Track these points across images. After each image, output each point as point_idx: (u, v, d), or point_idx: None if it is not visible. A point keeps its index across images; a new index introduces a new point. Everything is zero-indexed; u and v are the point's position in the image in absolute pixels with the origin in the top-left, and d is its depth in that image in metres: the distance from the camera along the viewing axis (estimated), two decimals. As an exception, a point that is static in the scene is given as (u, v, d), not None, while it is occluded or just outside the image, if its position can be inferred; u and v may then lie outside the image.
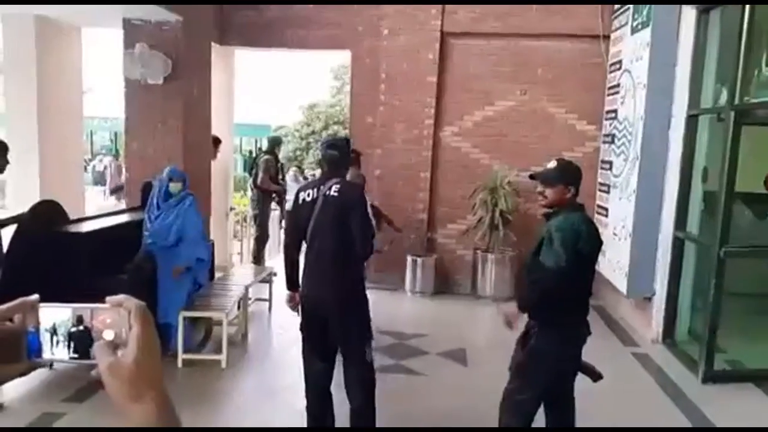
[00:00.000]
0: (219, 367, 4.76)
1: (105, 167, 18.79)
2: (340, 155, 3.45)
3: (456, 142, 7.50)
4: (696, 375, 4.81)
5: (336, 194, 3.29)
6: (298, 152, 20.66)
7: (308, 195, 3.37)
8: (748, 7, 4.35)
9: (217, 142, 7.22)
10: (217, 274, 6.26)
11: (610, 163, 6.39)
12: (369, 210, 3.46)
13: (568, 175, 3.06)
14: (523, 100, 7.33)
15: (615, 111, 6.32)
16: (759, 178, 6.55)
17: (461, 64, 7.34)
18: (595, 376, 3.09)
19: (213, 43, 6.82)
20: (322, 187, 3.35)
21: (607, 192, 6.42)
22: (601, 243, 3.06)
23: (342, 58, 11.35)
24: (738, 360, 5.23)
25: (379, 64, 7.27)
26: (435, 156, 7.44)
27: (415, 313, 6.70)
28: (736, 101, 4.50)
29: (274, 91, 22.41)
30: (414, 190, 7.41)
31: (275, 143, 8.08)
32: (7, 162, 4.31)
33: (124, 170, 7.08)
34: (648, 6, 5.46)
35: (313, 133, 20.96)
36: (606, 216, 6.34)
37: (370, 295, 3.64)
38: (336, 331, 3.39)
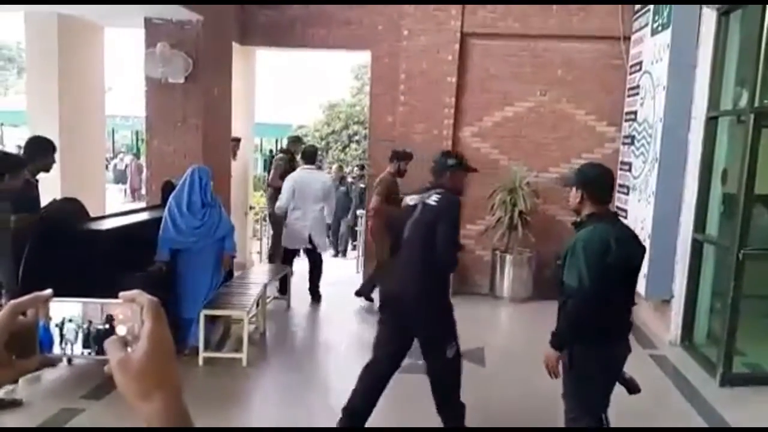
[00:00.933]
0: (240, 365, 4.82)
1: (126, 166, 19.12)
2: (436, 166, 3.69)
3: (475, 142, 7.51)
4: (714, 377, 4.77)
5: (434, 203, 3.47)
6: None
7: (412, 200, 3.63)
8: (767, 8, 4.32)
9: (236, 141, 7.32)
10: (236, 273, 6.35)
11: (630, 164, 6.36)
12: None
13: (582, 176, 2.96)
14: (542, 101, 7.33)
15: (635, 112, 6.29)
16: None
17: (480, 65, 7.35)
18: (633, 389, 3.02)
19: (234, 43, 6.91)
20: (425, 194, 3.55)
21: (627, 194, 6.39)
22: (639, 251, 2.91)
23: (362, 58, 11.45)
24: (757, 363, 5.18)
25: (398, 64, 7.31)
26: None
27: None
28: (756, 103, 4.46)
29: (295, 91, 22.54)
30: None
31: (292, 142, 8.13)
32: (53, 161, 4.47)
33: (144, 169, 7.20)
34: (668, 7, 5.43)
35: (333, 132, 21.03)
36: (625, 218, 6.29)
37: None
38: (417, 331, 3.60)
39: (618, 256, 2.75)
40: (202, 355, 4.79)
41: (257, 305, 5.52)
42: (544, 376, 3.00)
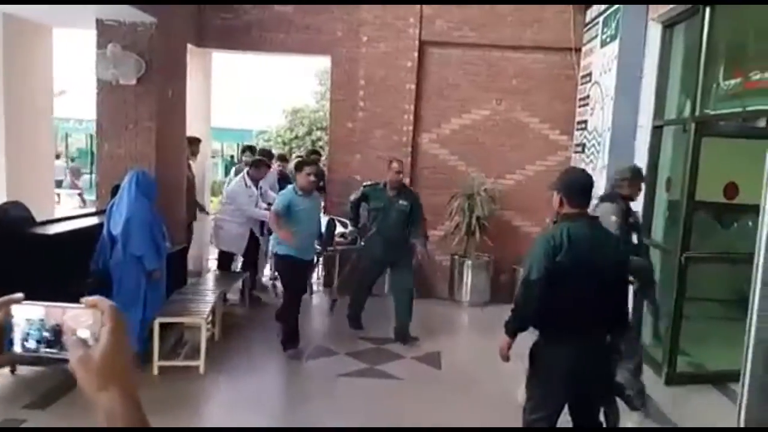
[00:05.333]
0: (196, 372, 4.78)
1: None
2: None
3: (434, 149, 7.63)
4: (660, 377, 4.93)
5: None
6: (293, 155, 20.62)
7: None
8: (707, 22, 4.51)
9: (196, 141, 7.23)
10: (191, 279, 6.27)
11: (581, 171, 6.52)
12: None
13: (560, 180, 3.07)
14: (498, 110, 7.49)
15: (585, 121, 6.47)
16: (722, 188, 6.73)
17: (439, 73, 7.47)
18: (632, 405, 3.05)
19: (190, 45, 6.85)
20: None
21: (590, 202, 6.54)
22: (600, 255, 2.91)
23: (326, 63, 11.46)
24: (701, 363, 5.36)
25: (358, 70, 7.37)
26: (414, 162, 7.54)
27: (390, 317, 6.75)
28: (697, 113, 4.65)
29: (257, 96, 22.38)
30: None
31: (243, 151, 8.29)
32: None
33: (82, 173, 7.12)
34: (616, 19, 5.62)
35: (296, 138, 20.92)
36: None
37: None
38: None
39: (570, 255, 2.84)
40: (158, 363, 4.71)
41: (213, 312, 5.47)
42: (499, 379, 3.06)
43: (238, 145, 21.87)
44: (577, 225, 2.93)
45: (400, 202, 5.77)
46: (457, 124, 7.56)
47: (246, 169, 6.81)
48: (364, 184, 6.12)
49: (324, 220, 6.59)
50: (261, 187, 6.79)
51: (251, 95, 21.94)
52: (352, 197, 6.07)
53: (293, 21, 7.44)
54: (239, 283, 6.54)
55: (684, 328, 4.93)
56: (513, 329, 3.05)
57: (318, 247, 6.26)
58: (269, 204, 6.72)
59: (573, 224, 2.93)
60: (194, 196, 7.32)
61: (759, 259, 2.41)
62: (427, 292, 7.40)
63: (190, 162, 7.15)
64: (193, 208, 7.28)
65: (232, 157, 20.65)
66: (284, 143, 20.53)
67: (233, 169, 8.38)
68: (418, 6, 7.18)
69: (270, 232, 6.61)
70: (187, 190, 6.94)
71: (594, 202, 3.84)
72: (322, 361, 5.29)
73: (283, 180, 7.45)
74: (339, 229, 6.97)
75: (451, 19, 7.25)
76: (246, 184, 6.60)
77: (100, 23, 5.53)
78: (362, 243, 6.27)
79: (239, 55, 8.95)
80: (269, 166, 7.20)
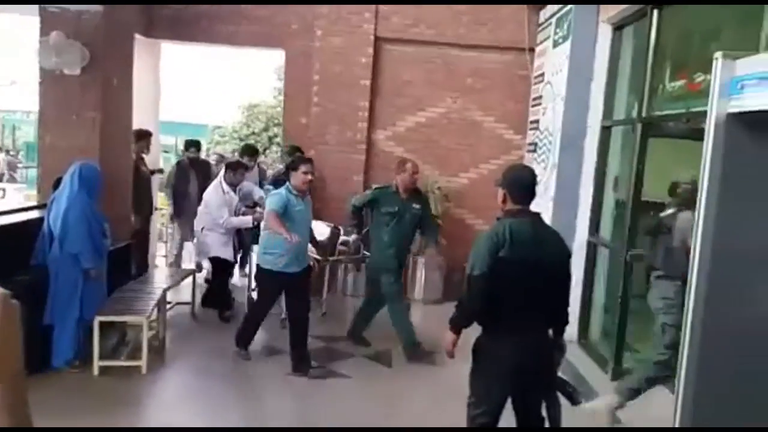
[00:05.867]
0: (138, 373, 4.63)
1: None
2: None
3: (389, 146, 7.61)
4: (606, 373, 5.01)
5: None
6: (235, 154, 20.32)
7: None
8: (654, 24, 4.60)
9: (147, 135, 7.03)
10: (144, 276, 6.09)
11: (533, 170, 6.60)
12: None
13: (504, 176, 3.08)
14: (453, 108, 7.52)
15: (537, 121, 6.54)
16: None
17: (394, 70, 7.45)
18: (573, 400, 3.08)
19: (138, 36, 6.64)
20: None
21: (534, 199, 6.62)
22: (543, 252, 2.93)
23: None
24: (648, 358, 5.47)
25: (312, 64, 7.28)
26: (368, 159, 7.50)
27: (346, 317, 6.69)
28: (644, 114, 4.74)
29: (214, 90, 21.99)
30: (347, 192, 7.42)
31: (187, 146, 7.81)
32: None
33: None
34: (568, 20, 5.69)
35: (252, 134, 20.63)
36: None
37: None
38: None
39: (512, 252, 2.86)
40: (98, 363, 4.55)
41: (158, 310, 5.32)
42: (448, 376, 3.05)
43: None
44: (520, 221, 2.95)
45: (414, 205, 5.31)
46: (412, 121, 7.56)
47: (222, 174, 6.09)
48: (374, 186, 5.70)
49: (322, 225, 6.08)
50: (240, 190, 6.16)
51: (208, 89, 21.57)
52: (356, 201, 5.58)
53: (246, 13, 7.31)
54: (189, 280, 6.37)
55: (631, 324, 5.03)
56: (458, 325, 3.05)
57: (317, 256, 5.86)
58: (254, 204, 6.32)
59: (516, 221, 2.95)
60: (150, 191, 7.13)
61: (695, 257, 2.45)
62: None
63: (143, 156, 6.95)
64: (149, 204, 7.09)
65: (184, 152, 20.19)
66: (240, 139, 20.23)
67: (174, 166, 7.78)
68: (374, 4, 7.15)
69: (253, 243, 6.11)
70: (142, 185, 6.77)
71: (670, 210, 3.95)
72: (270, 361, 5.19)
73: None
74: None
75: (408, 16, 7.23)
76: (223, 191, 5.94)
77: (43, 10, 5.30)
78: (366, 252, 5.81)
79: (198, 49, 8.79)
80: (247, 168, 6.55)
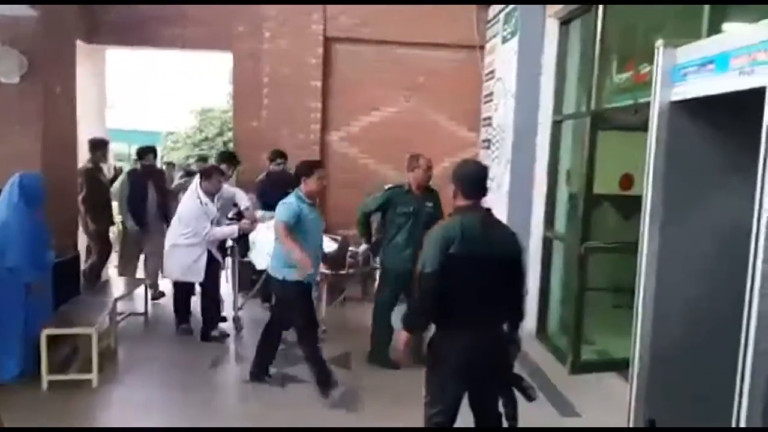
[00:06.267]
0: (89, 386, 4.45)
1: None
2: None
3: (344, 147, 7.55)
4: (564, 366, 5.06)
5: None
6: (189, 159, 19.93)
7: None
8: (600, 17, 4.67)
9: (102, 144, 6.78)
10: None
11: (487, 167, 6.62)
12: None
13: (454, 172, 3.05)
14: (407, 107, 7.51)
15: (490, 118, 6.58)
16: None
17: (346, 70, 7.40)
18: (528, 397, 3.06)
19: (80, 42, 6.42)
20: None
21: (485, 195, 6.64)
22: (494, 248, 2.89)
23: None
24: (605, 350, 5.55)
25: (261, 66, 7.17)
26: (323, 161, 7.39)
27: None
28: (593, 107, 4.80)
29: (166, 96, 21.55)
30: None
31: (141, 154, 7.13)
32: None
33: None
34: (515, 16, 5.73)
35: (206, 139, 20.27)
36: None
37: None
38: None
39: (464, 248, 2.84)
40: (47, 378, 4.36)
41: (110, 321, 5.13)
42: (410, 377, 3.00)
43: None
44: (471, 217, 2.92)
45: (427, 204, 4.95)
46: (366, 121, 7.52)
47: (197, 181, 5.47)
48: (386, 186, 5.26)
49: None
50: (219, 198, 5.51)
51: (160, 95, 21.11)
52: (366, 206, 5.14)
53: (191, 15, 7.15)
54: (140, 290, 6.18)
55: (589, 317, 5.09)
56: (410, 324, 3.03)
57: (325, 270, 5.40)
58: (238, 214, 5.87)
59: (466, 216, 2.92)
60: (109, 202, 6.90)
61: (643, 248, 2.47)
62: (340, 292, 7.29)
63: (102, 165, 6.81)
64: (108, 215, 6.86)
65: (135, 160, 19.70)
66: (194, 145, 19.85)
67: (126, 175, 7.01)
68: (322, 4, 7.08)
69: (246, 252, 5.76)
70: (101, 194, 6.64)
71: None
72: (226, 368, 5.07)
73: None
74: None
75: (356, 15, 7.19)
76: (201, 201, 5.33)
77: (-23, 16, 5.05)
78: (379, 258, 5.36)
79: (149, 54, 8.54)
80: (224, 173, 5.89)
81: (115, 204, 7.03)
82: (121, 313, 5.63)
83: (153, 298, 6.63)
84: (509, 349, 3.14)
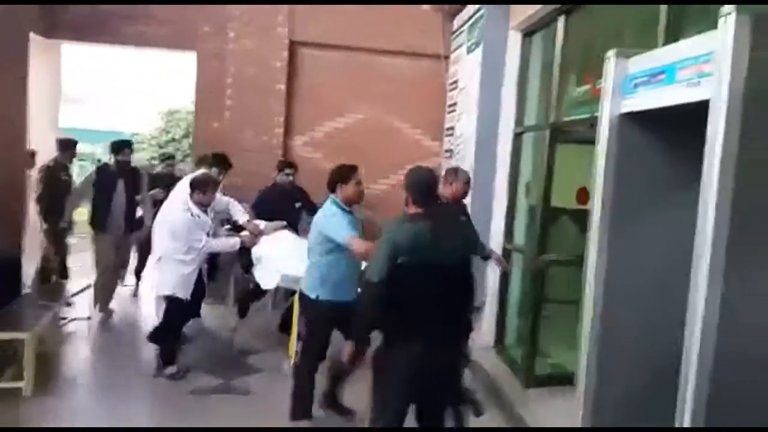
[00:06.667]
0: (21, 395, 4.24)
1: None
2: None
3: (307, 152, 7.45)
4: (519, 379, 5.01)
5: None
6: (153, 161, 19.56)
7: None
8: (561, 30, 4.67)
9: (71, 144, 6.55)
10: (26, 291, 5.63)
11: (449, 177, 6.59)
12: None
13: (406, 179, 3.01)
14: (371, 114, 7.45)
15: (453, 128, 6.55)
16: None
17: (311, 74, 7.32)
18: (476, 411, 3.00)
19: (36, 36, 6.20)
20: None
21: (437, 202, 6.61)
22: (444, 256, 2.83)
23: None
24: (561, 364, 5.53)
25: (225, 67, 7.04)
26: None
27: (257, 328, 6.42)
28: (552, 120, 4.79)
29: (131, 96, 21.16)
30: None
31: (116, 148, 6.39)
32: None
33: None
34: (479, 27, 5.72)
35: (173, 140, 19.92)
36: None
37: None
38: None
39: (412, 256, 2.77)
40: (-24, 386, 4.15)
41: (52, 326, 4.92)
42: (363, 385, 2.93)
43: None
44: (420, 225, 2.86)
45: (462, 218, 4.35)
46: (330, 127, 7.45)
47: (188, 193, 4.87)
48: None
49: None
50: (211, 211, 4.97)
51: (125, 95, 20.72)
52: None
53: (154, 13, 7.00)
54: (81, 295, 5.96)
55: (546, 329, 5.06)
56: (356, 335, 2.98)
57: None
58: (233, 225, 5.43)
59: (416, 224, 2.86)
60: (73, 202, 6.43)
61: (590, 262, 2.43)
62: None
63: (68, 165, 6.60)
64: (67, 215, 6.38)
65: (98, 160, 19.31)
66: (159, 146, 19.48)
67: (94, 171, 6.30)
68: (287, 4, 6.98)
69: (248, 268, 5.23)
70: (61, 194, 6.30)
71: None
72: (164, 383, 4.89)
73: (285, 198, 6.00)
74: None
75: (323, 20, 7.12)
76: (192, 214, 4.77)
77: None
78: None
79: (115, 54, 8.34)
80: (218, 183, 5.30)
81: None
82: (64, 318, 5.40)
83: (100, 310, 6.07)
84: (458, 361, 3.08)
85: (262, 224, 5.22)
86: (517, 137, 5.55)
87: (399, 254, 2.77)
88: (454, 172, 4.62)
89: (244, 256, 5.35)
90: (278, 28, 7.02)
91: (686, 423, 1.87)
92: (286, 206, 5.85)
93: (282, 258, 4.87)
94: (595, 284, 2.45)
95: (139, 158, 17.96)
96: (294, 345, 4.46)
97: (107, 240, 6.04)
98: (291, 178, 6.18)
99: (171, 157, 7.66)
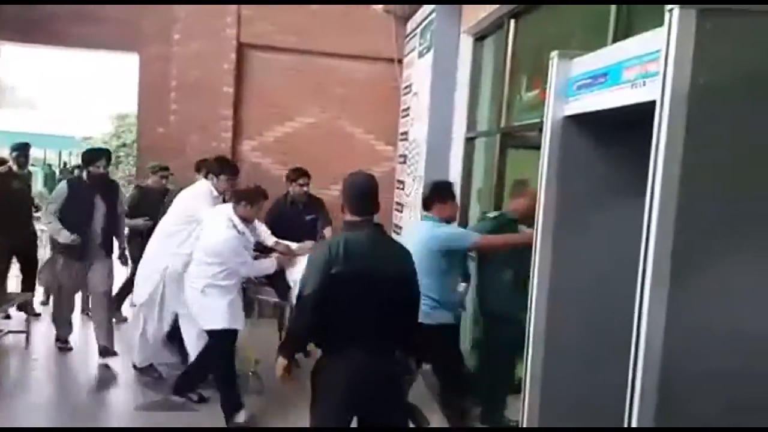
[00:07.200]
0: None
1: None
2: None
3: (256, 157, 7.23)
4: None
5: None
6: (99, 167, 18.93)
7: None
8: (511, 34, 4.62)
9: (24, 146, 6.04)
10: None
11: (403, 182, 6.50)
12: None
13: (342, 185, 2.83)
14: (323, 118, 7.27)
15: (407, 133, 6.45)
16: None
17: (261, 77, 7.10)
18: (422, 427, 2.86)
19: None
20: None
21: (401, 211, 6.51)
22: (381, 267, 2.67)
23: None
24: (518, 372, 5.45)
25: (169, 70, 6.77)
26: (234, 170, 7.05)
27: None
28: (503, 125, 4.72)
29: (80, 100, 20.47)
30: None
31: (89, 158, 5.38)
32: None
33: None
34: (431, 31, 5.63)
35: (124, 145, 19.36)
36: (400, 234, 6.39)
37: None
38: None
39: (346, 267, 2.62)
40: None
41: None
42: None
43: (60, 153, 19.79)
44: (356, 234, 2.71)
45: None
46: (280, 131, 7.23)
47: (231, 205, 4.28)
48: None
49: None
50: (253, 229, 4.48)
51: (73, 99, 20.02)
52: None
53: (95, 14, 6.67)
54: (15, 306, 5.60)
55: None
56: (287, 349, 2.79)
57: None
58: (264, 247, 4.71)
59: (352, 233, 2.72)
60: (28, 208, 6.08)
61: (534, 266, 2.32)
62: (249, 311, 6.93)
63: (19, 172, 6.00)
64: (25, 222, 5.96)
65: (50, 165, 18.61)
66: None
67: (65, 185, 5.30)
68: (235, 5, 6.77)
69: (286, 294, 4.56)
70: (13, 201, 5.72)
71: None
72: (118, 392, 4.64)
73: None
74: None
75: (273, 22, 6.91)
76: (238, 231, 4.19)
77: None
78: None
79: (61, 58, 7.95)
80: (266, 196, 4.61)
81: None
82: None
83: (101, 354, 5.11)
84: (402, 377, 2.94)
85: (294, 245, 4.73)
86: (470, 142, 5.48)
87: (333, 264, 2.62)
88: (523, 184, 4.14)
89: (280, 280, 4.69)
90: (226, 30, 6.79)
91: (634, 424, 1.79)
92: (304, 223, 5.37)
93: None
94: (538, 290, 2.35)
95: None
96: None
97: (77, 267, 5.15)
98: (305, 189, 5.54)
99: (164, 168, 6.29)
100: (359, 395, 2.70)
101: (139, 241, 5.50)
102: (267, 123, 7.17)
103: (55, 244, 5.56)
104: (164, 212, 4.79)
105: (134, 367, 4.89)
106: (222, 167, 4.79)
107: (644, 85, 1.83)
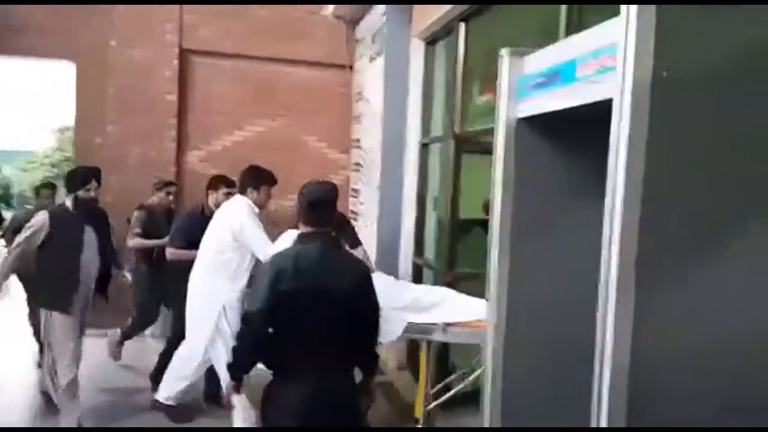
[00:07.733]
0: None
1: None
2: None
3: (204, 167, 6.93)
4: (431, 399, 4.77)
5: None
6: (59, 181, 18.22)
7: None
8: (462, 38, 4.53)
9: None
10: None
11: (358, 191, 6.35)
12: None
13: (299, 195, 2.66)
14: (273, 126, 7.06)
15: (359, 140, 6.31)
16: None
17: (206, 85, 6.85)
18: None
19: None
20: None
21: (356, 220, 6.35)
22: (334, 282, 2.51)
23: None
24: (474, 383, 5.35)
25: (107, 78, 6.44)
26: (180, 183, 6.75)
27: (147, 362, 5.78)
28: (456, 130, 4.62)
29: (18, 112, 19.64)
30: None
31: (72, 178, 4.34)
32: None
33: None
34: (381, 36, 5.51)
35: (68, 159, 18.65)
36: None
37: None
38: None
39: (296, 283, 2.46)
40: None
41: None
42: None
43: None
44: (309, 247, 2.54)
45: None
46: (229, 141, 6.99)
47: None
48: None
49: None
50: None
51: (10, 111, 19.17)
52: None
53: (26, 19, 6.30)
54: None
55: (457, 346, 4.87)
56: (235, 373, 2.60)
57: None
58: None
59: (304, 246, 2.55)
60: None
61: (489, 275, 2.19)
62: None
63: None
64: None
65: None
66: (52, 165, 18.15)
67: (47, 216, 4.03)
68: (177, 11, 6.50)
69: None
70: None
71: None
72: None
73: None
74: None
75: (217, 27, 6.68)
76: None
77: None
78: None
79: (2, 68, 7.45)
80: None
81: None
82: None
83: None
84: (359, 399, 2.76)
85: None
86: (424, 148, 5.37)
87: (282, 280, 2.45)
88: None
89: None
90: (167, 36, 6.51)
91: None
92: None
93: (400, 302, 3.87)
94: (498, 303, 2.22)
95: (31, 180, 16.65)
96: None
97: (71, 322, 3.95)
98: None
99: (170, 183, 5.61)
100: (314, 421, 2.52)
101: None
102: (215, 132, 6.91)
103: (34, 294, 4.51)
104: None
105: (155, 402, 4.42)
106: (261, 178, 4.52)
107: (601, 81, 1.72)
